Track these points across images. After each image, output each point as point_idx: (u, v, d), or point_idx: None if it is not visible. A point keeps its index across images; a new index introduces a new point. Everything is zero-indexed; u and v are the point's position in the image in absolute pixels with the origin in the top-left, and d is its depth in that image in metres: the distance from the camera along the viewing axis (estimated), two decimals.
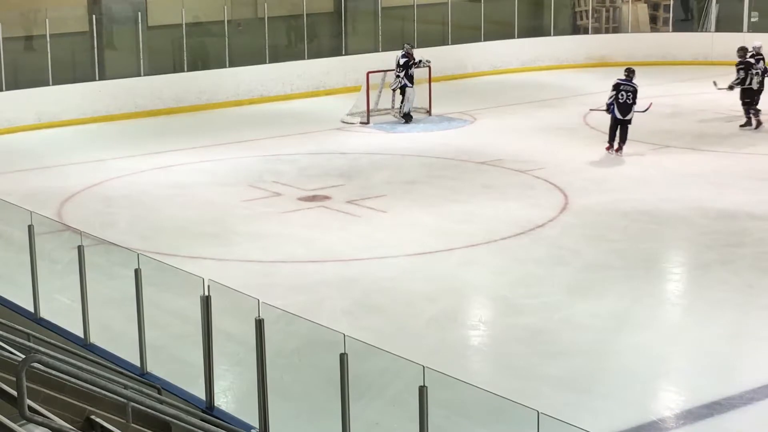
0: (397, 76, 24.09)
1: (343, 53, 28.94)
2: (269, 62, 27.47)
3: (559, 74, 25.90)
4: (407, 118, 24.10)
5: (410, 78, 24.06)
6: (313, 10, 28.71)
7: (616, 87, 20.64)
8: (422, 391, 7.68)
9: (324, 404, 9.02)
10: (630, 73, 20.73)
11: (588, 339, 12.16)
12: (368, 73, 24.37)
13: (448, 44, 29.13)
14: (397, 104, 24.34)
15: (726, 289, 13.61)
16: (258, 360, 9.07)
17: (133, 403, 7.93)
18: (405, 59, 24.18)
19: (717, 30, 32.64)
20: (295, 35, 28.63)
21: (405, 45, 24.86)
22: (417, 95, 24.34)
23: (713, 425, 10.11)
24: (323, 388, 9.11)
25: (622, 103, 20.52)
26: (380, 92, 24.92)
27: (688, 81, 26.35)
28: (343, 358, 8.30)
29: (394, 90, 24.18)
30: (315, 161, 20.81)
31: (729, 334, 12.28)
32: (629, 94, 20.54)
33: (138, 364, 10.50)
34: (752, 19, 32.40)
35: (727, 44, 28.56)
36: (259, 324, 8.96)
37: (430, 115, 24.70)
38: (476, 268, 14.73)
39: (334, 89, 27.70)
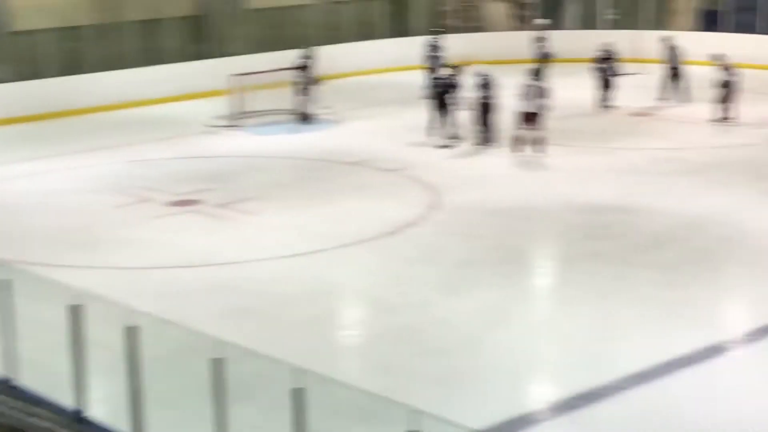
0: None
1: (210, 56, 28.73)
2: (135, 66, 27.15)
3: (423, 74, 26.18)
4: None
5: None
6: (176, 14, 28.46)
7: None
8: (298, 393, 7.69)
9: (200, 410, 8.97)
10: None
11: (460, 335, 12.28)
12: (235, 76, 24.25)
13: (313, 45, 29.08)
14: None
15: (594, 282, 13.87)
16: (131, 368, 8.97)
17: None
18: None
19: (576, 28, 33.26)
20: (160, 39, 28.32)
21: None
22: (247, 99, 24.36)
23: (584, 415, 10.29)
24: (199, 394, 9.05)
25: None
26: (247, 95, 24.79)
27: (550, 78, 26.77)
28: (217, 363, 8.26)
29: None
30: (184, 165, 20.64)
31: (597, 325, 12.51)
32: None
33: (6, 376, 10.29)
34: (610, 17, 33.11)
35: (586, 41, 29.25)
36: (131, 331, 8.87)
37: (297, 116, 24.67)
38: (349, 268, 14.77)
39: (202, 92, 27.51)
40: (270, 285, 14.00)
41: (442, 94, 21.84)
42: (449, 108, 21.85)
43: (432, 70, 26.40)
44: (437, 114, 21.93)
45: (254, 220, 16.96)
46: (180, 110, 26.29)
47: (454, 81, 21.99)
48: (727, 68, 23.15)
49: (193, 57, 28.60)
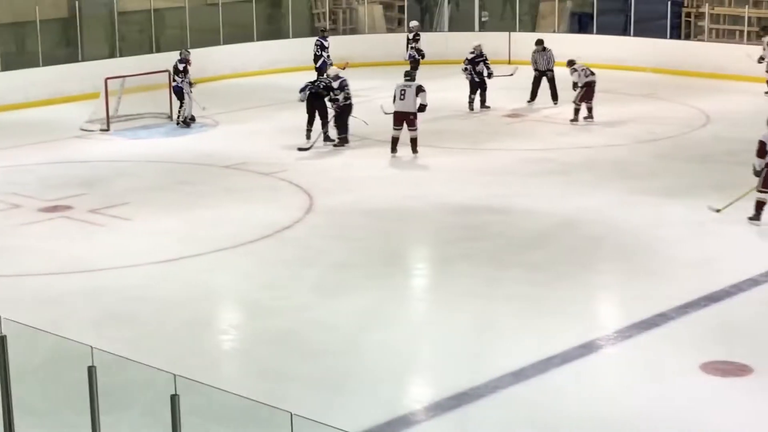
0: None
1: (80, 59, 28.30)
2: (5, 70, 26.64)
3: (299, 76, 26.12)
4: None
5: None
6: (45, 16, 27.97)
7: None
8: (174, 399, 7.64)
9: (75, 419, 8.86)
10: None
11: (338, 338, 12.32)
12: (106, 79, 23.93)
13: (187, 48, 28.89)
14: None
15: (469, 282, 14.03)
16: (1, 379, 8.81)
17: None
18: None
19: (450, 30, 33.57)
20: (31, 42, 27.82)
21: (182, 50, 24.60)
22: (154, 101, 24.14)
23: (461, 415, 10.41)
24: (73, 403, 8.93)
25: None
26: (119, 98, 24.52)
27: (423, 80, 26.99)
28: (91, 371, 8.16)
29: None
30: (55, 171, 20.31)
31: (473, 325, 12.66)
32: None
33: None
34: (483, 19, 33.50)
35: (459, 43, 29.67)
36: (1, 341, 8.71)
37: (171, 120, 24.46)
38: (225, 272, 14.71)
39: (72, 96, 27.03)
40: (146, 290, 13.86)
41: (320, 96, 21.84)
42: (327, 110, 21.90)
43: (319, 70, 26.72)
44: (315, 116, 21.94)
45: (128, 225, 16.78)
46: (52, 114, 25.82)
47: (330, 83, 22.02)
48: (578, 70, 23.68)
49: (65, 60, 28.11)
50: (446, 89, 26.23)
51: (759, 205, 16.08)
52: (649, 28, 31.81)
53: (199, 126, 24.06)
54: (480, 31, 33.06)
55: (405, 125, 20.73)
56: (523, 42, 29.41)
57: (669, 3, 30.30)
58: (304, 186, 18.72)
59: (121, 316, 13.01)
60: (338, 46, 31.58)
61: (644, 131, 22.94)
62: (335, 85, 21.69)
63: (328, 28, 30.85)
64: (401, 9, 34.05)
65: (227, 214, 17.26)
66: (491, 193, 18.21)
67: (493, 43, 31.20)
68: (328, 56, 27.82)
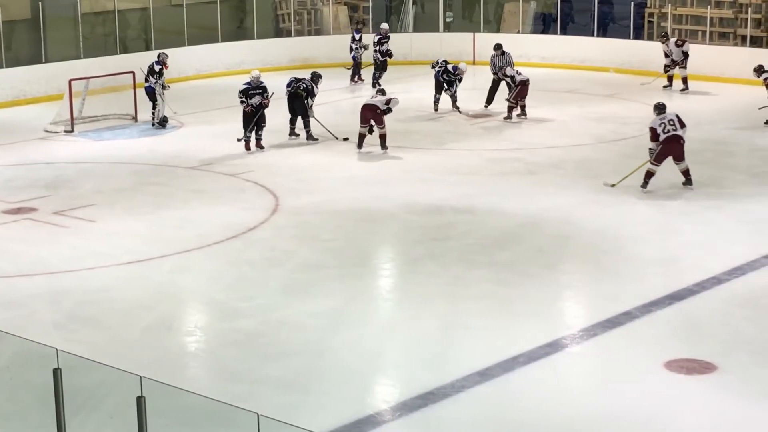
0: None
1: (44, 60, 28.12)
2: None
3: (264, 77, 26.01)
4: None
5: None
6: (8, 18, 27.80)
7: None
8: (140, 401, 7.62)
9: (40, 422, 8.81)
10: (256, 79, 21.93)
11: (305, 338, 12.33)
12: (70, 81, 23.81)
13: (152, 49, 28.78)
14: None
15: (435, 282, 14.06)
16: None
17: None
18: None
19: (415, 30, 33.59)
20: None
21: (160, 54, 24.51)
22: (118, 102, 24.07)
23: (427, 414, 10.44)
24: (38, 406, 8.89)
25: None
26: (83, 100, 24.40)
27: (391, 81, 27.05)
28: (56, 373, 8.13)
29: None
30: (19, 172, 20.19)
31: (440, 325, 12.69)
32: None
33: None
34: (447, 20, 33.54)
35: (424, 44, 29.66)
36: None
37: (136, 121, 24.38)
38: (191, 274, 14.68)
39: (36, 98, 26.90)
40: (111, 292, 13.81)
41: (299, 96, 21.93)
42: (306, 110, 22.02)
43: (353, 60, 28.56)
44: (295, 116, 22.13)
45: (93, 227, 16.70)
46: (16, 116, 25.67)
47: (310, 86, 22.11)
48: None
49: (29, 61, 27.93)
50: (411, 90, 26.26)
51: (648, 175, 17.96)
52: (612, 28, 32.03)
53: (168, 127, 23.97)
54: (445, 31, 33.10)
55: (373, 123, 20.83)
56: (488, 43, 29.42)
57: (632, 4, 30.45)
58: (270, 187, 18.70)
59: (86, 318, 12.96)
60: (302, 47, 31.65)
61: (609, 131, 23.05)
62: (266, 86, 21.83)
63: (362, 21, 32.00)
64: (366, 10, 34.04)
65: (193, 215, 17.22)
66: (458, 193, 18.25)
67: (457, 43, 31.33)
68: (357, 48, 28.77)
